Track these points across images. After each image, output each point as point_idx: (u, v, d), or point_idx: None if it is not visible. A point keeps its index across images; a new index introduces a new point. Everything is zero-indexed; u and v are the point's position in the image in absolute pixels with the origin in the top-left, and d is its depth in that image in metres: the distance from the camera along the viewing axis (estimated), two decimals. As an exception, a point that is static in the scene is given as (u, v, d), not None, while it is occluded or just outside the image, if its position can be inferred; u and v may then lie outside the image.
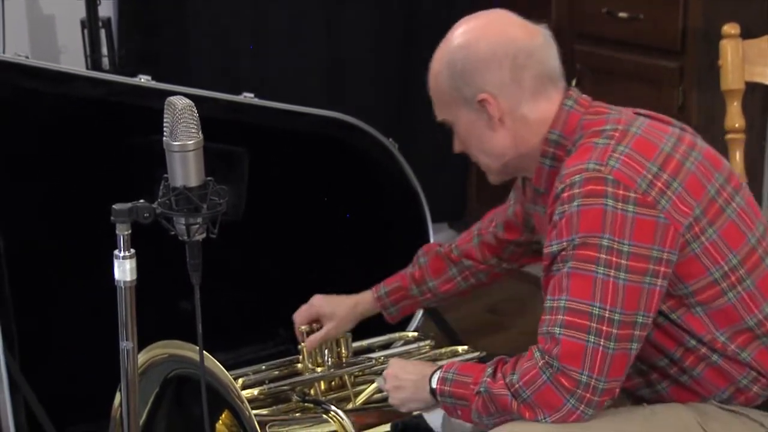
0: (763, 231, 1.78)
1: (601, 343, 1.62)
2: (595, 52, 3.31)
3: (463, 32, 1.79)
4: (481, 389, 1.71)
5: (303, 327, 2.23)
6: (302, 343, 2.23)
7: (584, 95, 1.83)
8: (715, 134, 2.56)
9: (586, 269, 1.63)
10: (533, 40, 1.78)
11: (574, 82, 3.29)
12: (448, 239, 3.94)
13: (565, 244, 1.66)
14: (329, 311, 2.22)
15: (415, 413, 1.95)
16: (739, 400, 1.77)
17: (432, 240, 2.70)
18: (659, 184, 1.67)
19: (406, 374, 1.88)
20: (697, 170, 1.73)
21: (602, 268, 1.63)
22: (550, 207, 1.73)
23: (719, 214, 1.72)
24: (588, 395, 1.62)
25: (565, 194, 1.67)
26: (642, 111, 1.85)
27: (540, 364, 1.63)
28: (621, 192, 1.64)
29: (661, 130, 1.77)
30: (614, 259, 1.63)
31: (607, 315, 1.62)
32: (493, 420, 1.71)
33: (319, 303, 2.23)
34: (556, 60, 1.81)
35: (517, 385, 1.65)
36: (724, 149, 2.58)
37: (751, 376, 1.76)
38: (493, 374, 1.71)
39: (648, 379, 1.81)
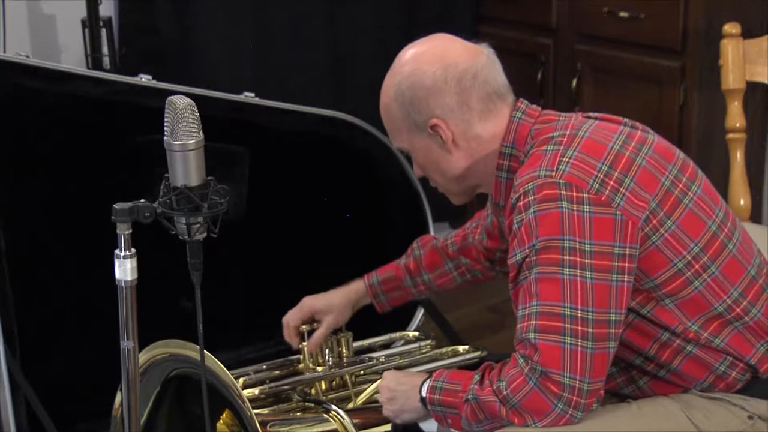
0: (723, 217, 1.79)
1: (579, 343, 1.63)
2: (596, 52, 3.31)
3: (407, 61, 1.81)
4: (469, 396, 1.71)
5: (304, 327, 2.23)
6: (302, 344, 2.23)
7: (533, 105, 1.85)
8: (715, 134, 2.57)
9: (553, 272, 1.65)
10: (476, 61, 1.80)
11: (575, 82, 3.31)
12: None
13: (527, 251, 1.67)
14: (324, 305, 2.23)
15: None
16: (720, 386, 1.78)
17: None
18: (611, 182, 1.68)
19: (398, 385, 1.89)
20: (648, 164, 1.74)
21: (568, 269, 1.64)
22: (507, 218, 1.75)
23: (676, 205, 1.73)
24: (575, 398, 1.63)
25: (521, 203, 1.69)
26: (593, 114, 1.86)
27: (525, 370, 1.64)
28: (575, 194, 1.66)
29: (609, 130, 1.78)
30: (578, 259, 1.64)
31: (579, 315, 1.63)
32: (482, 427, 1.72)
33: (310, 302, 2.24)
34: (502, 76, 1.83)
35: (505, 392, 1.66)
36: (724, 149, 2.58)
37: (728, 362, 1.77)
38: (480, 381, 1.72)
39: (627, 378, 1.82)
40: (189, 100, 1.51)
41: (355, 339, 2.32)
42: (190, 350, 1.90)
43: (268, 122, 2.54)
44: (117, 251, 1.54)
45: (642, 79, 3.20)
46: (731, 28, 2.54)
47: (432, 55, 1.80)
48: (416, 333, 2.48)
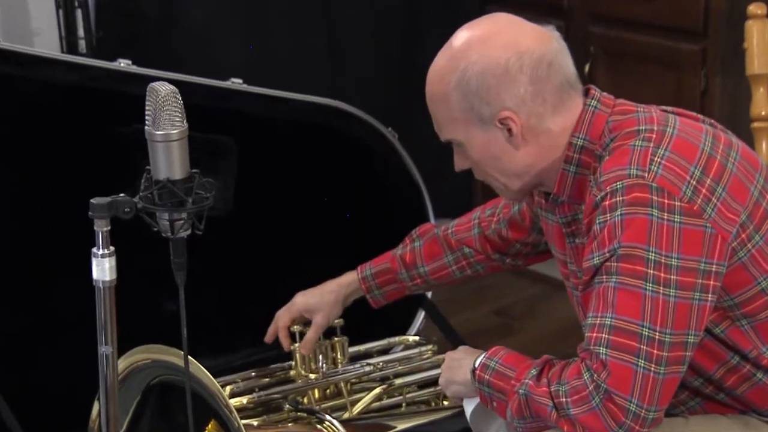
0: None
1: (652, 368, 1.61)
2: (611, 35, 3.32)
3: (472, 45, 1.76)
4: (521, 390, 1.71)
5: (296, 327, 2.24)
6: (294, 346, 2.24)
7: (606, 93, 1.82)
8: (740, 122, 2.57)
9: (634, 285, 1.63)
10: (549, 47, 1.76)
11: (587, 67, 3.32)
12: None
13: (607, 254, 1.65)
14: (315, 302, 2.24)
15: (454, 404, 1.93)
16: None
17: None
18: (703, 189, 1.67)
19: (463, 354, 1.89)
20: (738, 171, 1.72)
21: (651, 284, 1.62)
22: (587, 217, 1.72)
23: (765, 218, 1.72)
24: (637, 427, 1.62)
25: (606, 202, 1.66)
26: (668, 108, 1.84)
27: (590, 387, 1.63)
28: (666, 201, 1.64)
29: (695, 129, 1.76)
30: (663, 274, 1.62)
31: (657, 336, 1.62)
32: (524, 424, 1.72)
33: (302, 299, 2.25)
34: (572, 63, 1.80)
35: (563, 399, 1.65)
36: (749, 138, 2.59)
37: None
38: (538, 377, 1.71)
39: (677, 401, 1.80)
40: (172, 87, 1.52)
41: (351, 344, 2.33)
42: (174, 356, 1.91)
43: (258, 111, 2.55)
44: (94, 249, 1.55)
45: (660, 63, 3.21)
46: (757, 8, 2.54)
47: (502, 40, 1.75)
48: (417, 338, 2.49)
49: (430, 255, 2.22)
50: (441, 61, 1.78)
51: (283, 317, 2.26)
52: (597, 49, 3.33)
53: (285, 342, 2.26)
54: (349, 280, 2.27)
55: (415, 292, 2.32)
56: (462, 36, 1.78)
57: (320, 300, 2.25)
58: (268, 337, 2.28)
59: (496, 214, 2.17)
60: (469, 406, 1.90)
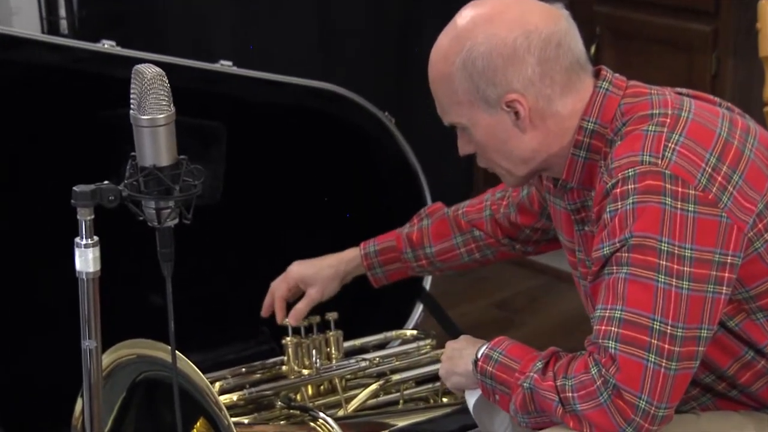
0: None
1: (663, 363, 1.61)
2: (618, 14, 3.31)
3: (477, 24, 1.75)
4: (526, 384, 1.71)
5: (286, 320, 2.23)
6: (286, 339, 2.24)
7: (617, 74, 1.81)
8: (752, 106, 2.57)
9: (646, 276, 1.63)
10: (558, 26, 1.75)
11: (593, 49, 3.31)
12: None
13: (618, 244, 1.65)
14: (311, 273, 2.25)
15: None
16: None
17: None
18: (719, 177, 1.66)
19: (464, 344, 1.89)
20: (756, 158, 1.72)
21: (663, 276, 1.62)
22: (597, 204, 1.72)
23: None
24: (646, 425, 1.62)
25: (618, 190, 1.66)
26: (683, 90, 1.83)
27: (598, 382, 1.62)
28: (680, 189, 1.64)
29: (711, 112, 1.76)
30: (675, 266, 1.62)
31: (669, 330, 1.62)
32: (527, 418, 1.72)
33: (298, 268, 2.26)
34: (581, 42, 1.79)
35: (570, 394, 1.65)
36: (761, 122, 2.59)
37: None
38: (543, 370, 1.71)
39: (688, 396, 1.80)
40: (158, 70, 1.51)
41: (346, 338, 2.33)
42: (160, 351, 1.91)
43: (248, 94, 2.55)
44: (77, 239, 1.55)
45: (669, 45, 3.21)
46: (771, -13, 2.54)
47: (508, 18, 1.74)
48: (415, 331, 2.49)
49: (438, 235, 2.23)
50: (445, 40, 1.77)
51: (279, 287, 2.27)
52: (603, 30, 3.32)
53: (279, 314, 2.26)
54: (350, 255, 2.27)
55: (419, 274, 2.32)
56: (467, 14, 1.77)
57: (317, 272, 2.25)
58: (264, 311, 2.29)
59: (506, 198, 2.18)
60: (471, 398, 1.90)
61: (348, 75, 3.22)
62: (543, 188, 1.98)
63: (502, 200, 2.18)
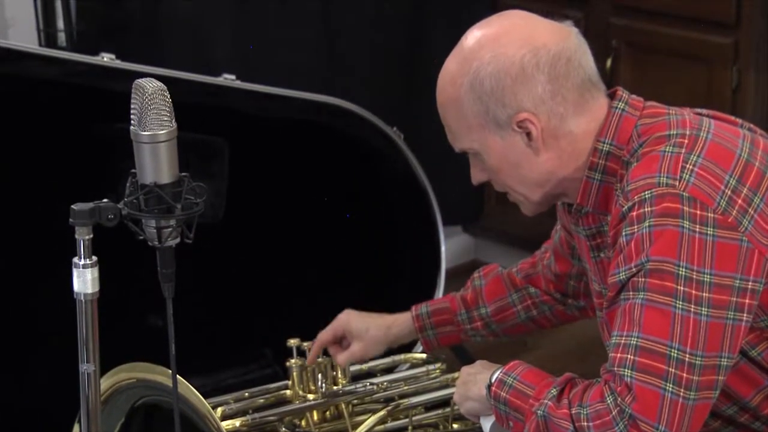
0: None
1: (681, 393, 1.61)
2: (634, 27, 3.32)
3: (483, 44, 1.76)
4: (540, 411, 1.71)
5: (291, 341, 2.23)
6: (290, 361, 2.22)
7: (634, 95, 1.82)
8: (774, 122, 2.58)
9: (663, 302, 1.62)
10: (567, 43, 1.76)
11: (609, 62, 3.32)
12: (462, 244, 3.96)
13: (634, 269, 1.65)
14: (359, 327, 2.22)
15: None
16: None
17: (443, 245, 2.70)
18: (739, 200, 1.67)
19: (479, 369, 1.89)
20: None
21: (681, 302, 1.62)
22: (612, 228, 1.72)
23: None
24: None
25: (634, 213, 1.66)
26: (703, 111, 1.84)
27: (614, 412, 1.62)
28: (698, 212, 1.64)
29: (731, 133, 1.76)
30: (694, 291, 1.62)
31: (687, 359, 1.61)
32: None
33: (347, 318, 2.24)
34: (592, 60, 1.79)
35: (584, 423, 1.65)
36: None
37: None
38: (558, 397, 1.71)
39: (709, 429, 1.80)
40: (159, 84, 1.52)
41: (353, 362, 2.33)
42: (160, 374, 1.91)
43: (252, 109, 2.55)
44: (75, 259, 1.55)
45: (688, 57, 3.21)
46: (793, -2, 2.55)
47: (516, 37, 1.75)
48: (424, 355, 2.49)
49: (493, 294, 2.20)
50: (451, 64, 1.78)
51: (325, 334, 2.24)
52: (619, 43, 3.33)
53: (312, 355, 2.23)
54: (401, 319, 2.25)
55: (472, 339, 2.30)
56: (473, 35, 1.78)
57: (365, 330, 2.23)
58: (310, 360, 2.24)
59: (548, 249, 2.16)
60: (486, 423, 1.90)
61: (355, 89, 3.23)
62: (568, 221, 1.96)
63: (545, 253, 2.17)
